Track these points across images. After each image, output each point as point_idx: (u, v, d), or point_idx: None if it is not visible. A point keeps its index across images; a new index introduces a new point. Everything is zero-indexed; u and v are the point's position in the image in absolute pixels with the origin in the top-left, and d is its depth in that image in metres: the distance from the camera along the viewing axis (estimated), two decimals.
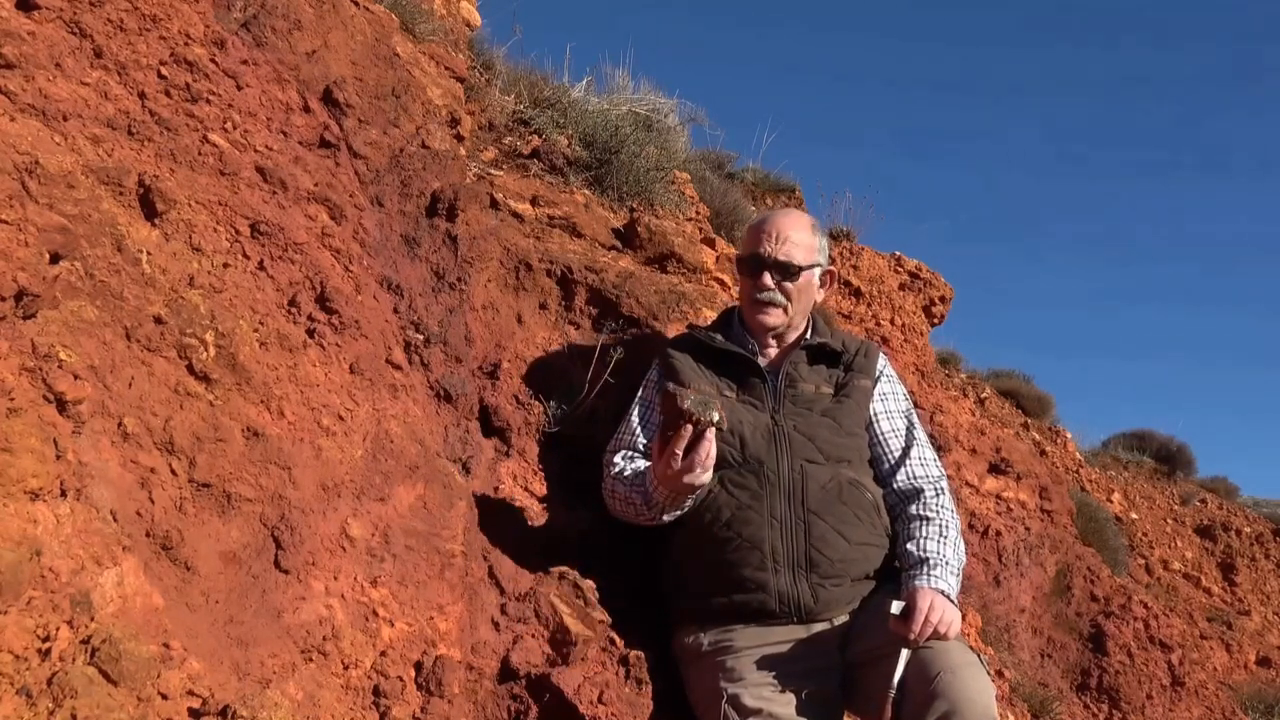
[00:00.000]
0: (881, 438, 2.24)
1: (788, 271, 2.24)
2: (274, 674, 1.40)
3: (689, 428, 1.89)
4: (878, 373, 2.31)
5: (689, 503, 2.09)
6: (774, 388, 2.21)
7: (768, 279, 2.24)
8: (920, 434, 2.28)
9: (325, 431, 1.69)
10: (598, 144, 3.58)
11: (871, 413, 2.26)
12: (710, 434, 1.91)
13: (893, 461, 2.21)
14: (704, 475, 1.95)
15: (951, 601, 1.96)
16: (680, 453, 1.91)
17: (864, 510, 2.11)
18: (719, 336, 2.29)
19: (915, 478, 2.18)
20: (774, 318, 2.26)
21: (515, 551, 2.12)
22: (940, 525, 2.10)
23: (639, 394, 2.35)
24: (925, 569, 2.00)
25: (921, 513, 2.12)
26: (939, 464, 2.26)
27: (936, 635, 1.89)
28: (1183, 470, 10.27)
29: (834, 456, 2.13)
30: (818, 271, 2.31)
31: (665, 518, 2.12)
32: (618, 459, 2.24)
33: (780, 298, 2.25)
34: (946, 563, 2.02)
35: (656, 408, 2.25)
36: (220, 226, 1.74)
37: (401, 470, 1.81)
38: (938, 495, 2.16)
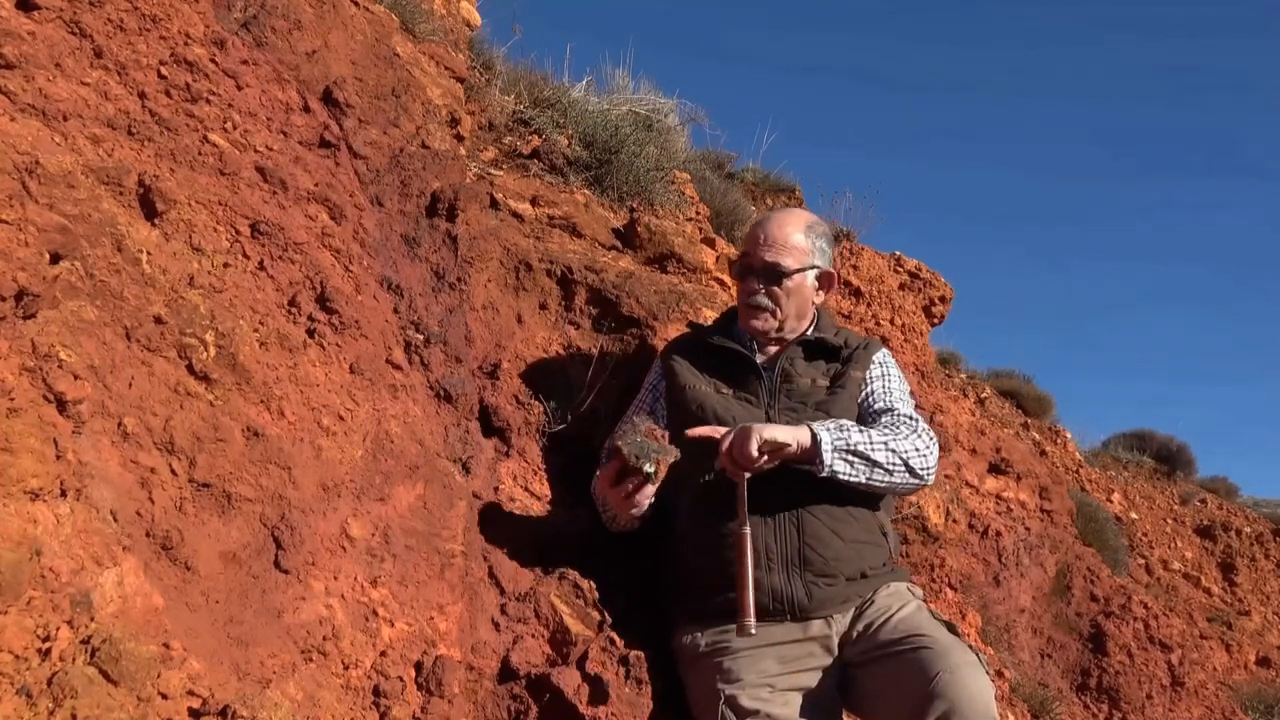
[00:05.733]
0: (874, 399, 2.22)
1: (773, 276, 2.22)
2: (274, 674, 1.40)
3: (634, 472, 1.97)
4: (872, 362, 2.28)
5: (634, 525, 2.17)
6: (769, 384, 2.20)
7: (753, 283, 2.24)
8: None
9: (325, 431, 1.69)
10: (598, 144, 3.59)
11: (867, 391, 2.22)
12: (653, 481, 1.97)
13: (883, 405, 2.20)
14: (637, 511, 2.06)
15: (814, 435, 1.99)
16: (630, 488, 1.98)
17: (857, 507, 2.10)
18: (716, 334, 2.30)
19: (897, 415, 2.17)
20: (762, 322, 2.25)
21: (515, 551, 2.12)
22: (882, 426, 2.11)
23: (638, 396, 2.35)
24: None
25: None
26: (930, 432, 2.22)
27: (733, 456, 1.97)
28: (1183, 470, 10.28)
29: None
30: (812, 274, 2.27)
31: (614, 529, 2.21)
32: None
33: (767, 302, 2.23)
34: (838, 423, 2.04)
35: (646, 410, 2.29)
36: (220, 226, 1.74)
37: (401, 470, 1.81)
38: (910, 422, 2.14)
